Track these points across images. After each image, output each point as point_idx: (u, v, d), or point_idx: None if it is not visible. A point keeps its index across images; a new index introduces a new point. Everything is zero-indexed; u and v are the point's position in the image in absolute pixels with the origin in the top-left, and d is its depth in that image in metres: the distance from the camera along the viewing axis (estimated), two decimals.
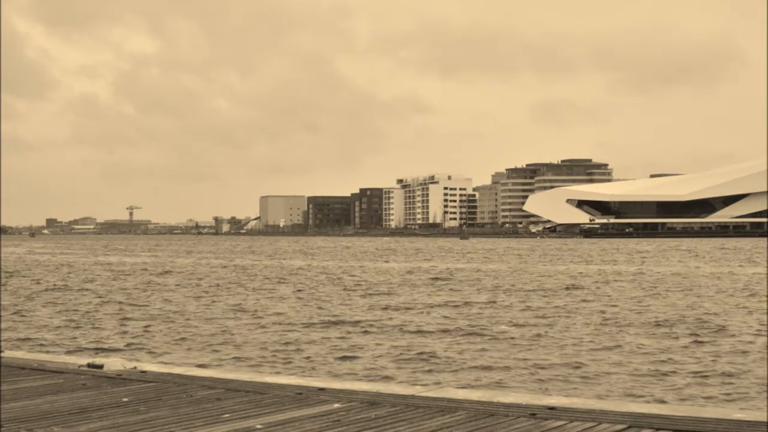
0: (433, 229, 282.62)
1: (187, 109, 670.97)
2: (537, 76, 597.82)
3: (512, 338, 19.27)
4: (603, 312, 25.29)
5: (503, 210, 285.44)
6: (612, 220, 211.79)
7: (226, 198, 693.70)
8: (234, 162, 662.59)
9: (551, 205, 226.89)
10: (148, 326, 22.47)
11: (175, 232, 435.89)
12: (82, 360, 8.95)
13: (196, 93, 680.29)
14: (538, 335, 19.76)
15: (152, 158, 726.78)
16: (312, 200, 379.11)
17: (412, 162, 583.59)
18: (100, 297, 32.67)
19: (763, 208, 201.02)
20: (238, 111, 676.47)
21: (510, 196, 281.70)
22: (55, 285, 40.39)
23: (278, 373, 14.01)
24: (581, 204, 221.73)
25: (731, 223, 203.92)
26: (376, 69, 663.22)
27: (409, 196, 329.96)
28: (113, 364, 8.42)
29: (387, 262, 67.96)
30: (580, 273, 48.25)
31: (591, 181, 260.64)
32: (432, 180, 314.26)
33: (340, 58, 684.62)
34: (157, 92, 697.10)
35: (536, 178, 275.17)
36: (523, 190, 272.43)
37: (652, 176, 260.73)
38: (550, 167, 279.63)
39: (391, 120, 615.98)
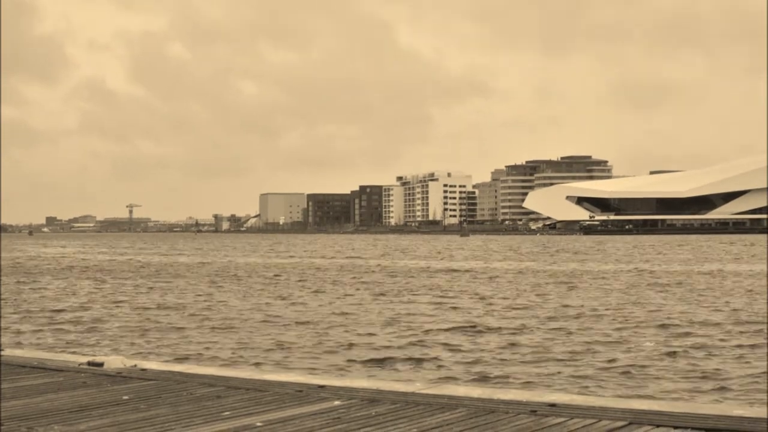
0: (432, 227, 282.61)
1: (211, 91, 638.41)
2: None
3: (513, 335, 19.27)
4: (603, 310, 25.29)
5: (503, 207, 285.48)
6: (612, 217, 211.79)
7: (225, 195, 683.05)
8: (262, 154, 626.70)
9: (551, 202, 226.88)
10: (149, 325, 22.47)
11: (174, 230, 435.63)
12: (83, 358, 8.95)
13: (223, 71, 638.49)
14: (539, 332, 19.76)
15: (169, 151, 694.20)
16: (312, 198, 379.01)
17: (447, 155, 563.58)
18: (102, 296, 32.68)
19: (762, 204, 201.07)
20: (269, 94, 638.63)
21: (510, 193, 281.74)
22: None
23: (278, 370, 14.01)
24: (581, 201, 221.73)
25: (731, 219, 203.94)
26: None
27: (409, 194, 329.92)
28: (113, 362, 8.43)
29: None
30: (582, 271, 48.26)
31: (591, 177, 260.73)
32: (432, 177, 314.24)
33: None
34: (177, 72, 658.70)
35: (536, 175, 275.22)
36: (523, 187, 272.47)
37: (651, 173, 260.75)
38: (549, 164, 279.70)
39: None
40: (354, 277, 42.51)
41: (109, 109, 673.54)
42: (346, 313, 24.43)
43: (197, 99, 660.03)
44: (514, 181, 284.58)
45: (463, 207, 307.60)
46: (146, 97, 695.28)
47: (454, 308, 25.76)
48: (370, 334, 19.58)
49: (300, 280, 40.39)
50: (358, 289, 34.28)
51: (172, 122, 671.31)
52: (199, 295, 31.93)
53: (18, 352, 10.09)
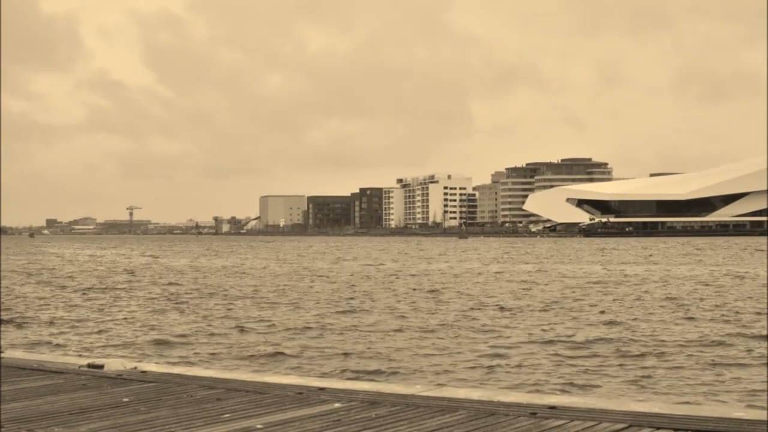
0: (433, 229, 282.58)
1: (231, 81, 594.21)
2: None
3: (512, 337, 19.26)
4: (603, 311, 25.29)
5: (503, 209, 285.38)
6: (612, 219, 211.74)
7: (225, 198, 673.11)
8: (282, 151, 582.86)
9: (551, 204, 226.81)
10: (149, 326, 22.47)
11: (175, 232, 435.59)
12: (83, 360, 8.95)
13: (243, 60, 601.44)
14: (539, 334, 19.75)
15: (181, 149, 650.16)
16: (312, 200, 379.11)
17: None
18: (104, 296, 32.69)
19: (763, 206, 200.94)
20: (294, 85, 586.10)
21: (510, 196, 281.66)
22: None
23: (278, 372, 14.00)
24: (581, 203, 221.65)
25: (731, 221, 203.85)
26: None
27: (409, 196, 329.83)
28: (113, 364, 8.43)
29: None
30: (585, 273, 48.26)
31: (591, 180, 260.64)
32: (432, 179, 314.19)
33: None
34: (193, 63, 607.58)
35: (536, 178, 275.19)
36: (523, 190, 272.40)
37: (651, 175, 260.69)
38: (549, 166, 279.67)
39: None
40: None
41: (118, 102, 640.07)
42: (346, 313, 24.41)
43: (215, 90, 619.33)
44: (514, 183, 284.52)
45: (464, 209, 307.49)
46: (160, 89, 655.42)
47: (455, 306, 25.77)
48: (371, 334, 19.56)
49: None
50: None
51: (186, 117, 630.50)
52: (202, 296, 31.95)
53: (18, 354, 10.10)
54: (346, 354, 16.96)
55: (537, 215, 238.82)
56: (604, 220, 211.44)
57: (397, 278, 43.91)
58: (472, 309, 26.19)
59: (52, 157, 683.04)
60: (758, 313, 24.18)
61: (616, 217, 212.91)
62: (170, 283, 41.14)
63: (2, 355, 9.33)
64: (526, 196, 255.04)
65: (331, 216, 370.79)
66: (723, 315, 24.01)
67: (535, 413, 5.86)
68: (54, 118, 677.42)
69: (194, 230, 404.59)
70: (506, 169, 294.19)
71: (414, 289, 35.10)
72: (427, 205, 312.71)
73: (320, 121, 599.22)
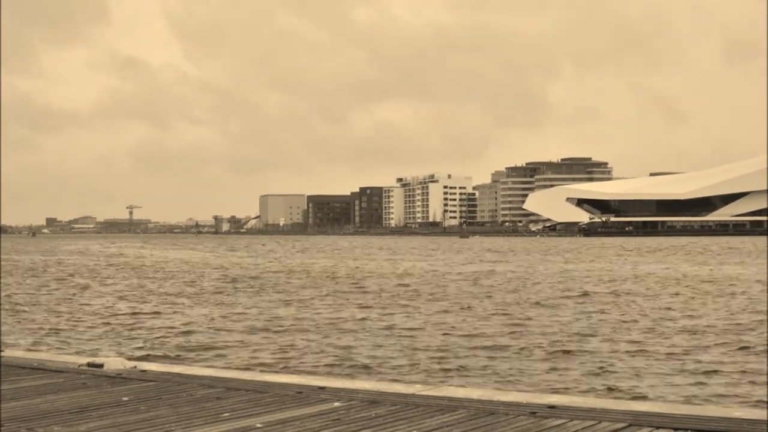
0: (433, 228, 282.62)
1: (270, 59, 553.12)
2: None
3: (512, 337, 19.25)
4: (603, 311, 25.29)
5: (503, 208, 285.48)
6: (612, 219, 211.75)
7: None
8: (322, 141, 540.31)
9: (551, 203, 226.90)
10: (149, 325, 22.47)
11: (175, 231, 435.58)
12: (82, 359, 8.96)
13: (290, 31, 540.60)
14: (539, 334, 19.75)
15: (204, 138, 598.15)
16: (312, 199, 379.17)
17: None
18: (105, 294, 32.69)
19: (762, 206, 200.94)
20: (336, 65, 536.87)
21: (510, 195, 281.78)
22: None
23: (278, 372, 14.00)
24: (581, 202, 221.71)
25: (731, 221, 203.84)
26: None
27: (409, 195, 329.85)
28: (113, 363, 8.43)
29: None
30: (583, 272, 48.25)
31: (591, 179, 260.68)
32: (432, 179, 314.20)
33: None
34: (225, 34, 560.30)
35: (536, 177, 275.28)
36: (523, 189, 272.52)
37: (651, 175, 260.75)
38: (549, 166, 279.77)
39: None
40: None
41: (138, 83, 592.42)
42: (346, 312, 24.42)
43: (250, 69, 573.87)
44: (514, 182, 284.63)
45: (464, 208, 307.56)
46: (186, 67, 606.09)
47: (455, 307, 25.76)
48: (371, 334, 19.57)
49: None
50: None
51: (212, 101, 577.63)
52: (202, 295, 31.92)
53: (18, 353, 10.10)
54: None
55: (537, 214, 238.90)
56: (603, 219, 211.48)
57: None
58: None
59: (57, 149, 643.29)
60: (759, 311, 24.20)
61: (616, 216, 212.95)
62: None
63: (2, 354, 9.33)
64: (526, 196, 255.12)
65: (331, 215, 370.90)
66: (723, 314, 24.01)
67: (535, 412, 5.86)
68: (65, 102, 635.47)
69: (194, 229, 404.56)
70: (506, 168, 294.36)
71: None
72: (427, 205, 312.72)
73: (356, 107, 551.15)
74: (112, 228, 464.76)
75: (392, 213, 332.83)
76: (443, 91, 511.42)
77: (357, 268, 54.53)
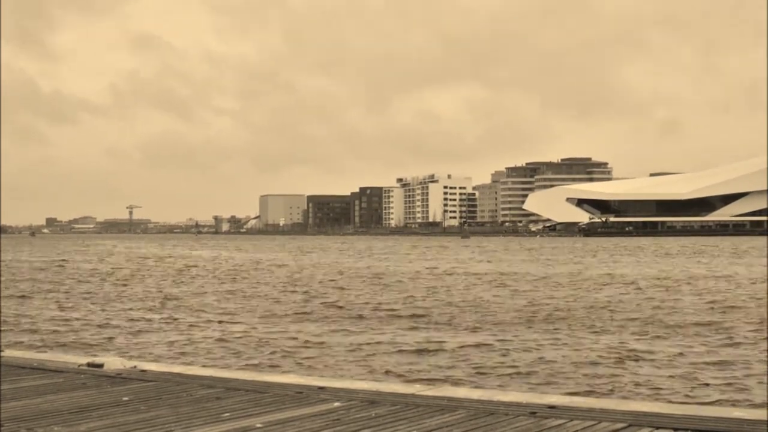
0: (433, 228, 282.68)
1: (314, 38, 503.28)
2: None
3: (512, 336, 19.26)
4: (603, 310, 25.29)
5: (503, 209, 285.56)
6: (612, 219, 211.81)
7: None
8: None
9: (551, 203, 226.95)
10: (149, 325, 22.48)
11: (175, 231, 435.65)
12: (82, 359, 8.96)
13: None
14: (539, 333, 19.76)
15: (229, 128, 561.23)
16: (311, 199, 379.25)
17: None
18: (104, 295, 32.70)
19: (763, 206, 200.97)
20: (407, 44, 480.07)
21: (510, 195, 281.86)
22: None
23: (278, 371, 14.01)
24: (581, 203, 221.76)
25: (731, 221, 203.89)
26: None
27: (409, 195, 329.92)
28: (113, 363, 8.43)
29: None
30: (582, 272, 48.26)
31: (591, 179, 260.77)
32: (432, 179, 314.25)
33: None
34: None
35: (536, 177, 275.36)
36: (523, 189, 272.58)
37: (651, 175, 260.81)
38: (549, 166, 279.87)
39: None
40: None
41: (157, 67, 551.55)
42: (346, 312, 24.41)
43: (285, 52, 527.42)
44: (514, 182, 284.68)
45: (464, 209, 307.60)
46: (214, 47, 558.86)
47: (456, 308, 25.77)
48: (371, 334, 19.56)
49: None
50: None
51: (242, 86, 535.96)
52: (203, 294, 31.89)
53: (18, 353, 10.10)
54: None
55: (537, 215, 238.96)
56: (603, 219, 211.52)
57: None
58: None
59: (68, 138, 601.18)
60: (759, 309, 24.20)
61: (615, 216, 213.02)
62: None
63: (2, 353, 9.33)
64: (526, 196, 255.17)
65: (330, 215, 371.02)
66: (723, 314, 24.01)
67: (535, 413, 5.86)
68: (77, 87, 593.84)
69: (194, 229, 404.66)
70: (506, 168, 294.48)
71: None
72: (427, 205, 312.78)
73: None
74: (112, 228, 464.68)
75: (392, 213, 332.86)
76: (500, 74, 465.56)
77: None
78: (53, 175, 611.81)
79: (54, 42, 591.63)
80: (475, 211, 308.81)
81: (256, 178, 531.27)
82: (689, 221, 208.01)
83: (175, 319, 23.82)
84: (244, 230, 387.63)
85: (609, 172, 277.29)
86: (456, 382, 13.30)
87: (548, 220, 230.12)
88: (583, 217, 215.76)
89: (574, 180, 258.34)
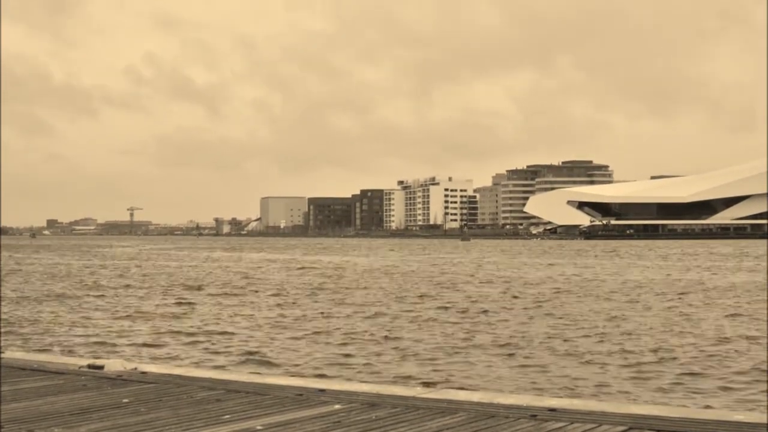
0: (433, 231, 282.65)
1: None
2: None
3: (513, 339, 19.25)
4: (603, 313, 25.29)
5: (504, 211, 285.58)
6: (613, 222, 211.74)
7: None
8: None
9: (552, 206, 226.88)
10: (150, 327, 22.48)
11: (176, 233, 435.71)
12: (83, 361, 8.96)
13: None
14: (539, 336, 19.75)
15: (255, 124, 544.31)
16: (312, 201, 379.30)
17: None
18: (104, 296, 32.69)
19: (764, 209, 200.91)
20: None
21: (511, 198, 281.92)
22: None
23: (278, 374, 14.01)
24: (582, 205, 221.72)
25: (732, 224, 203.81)
26: None
27: (410, 198, 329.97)
28: (114, 365, 8.43)
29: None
30: (582, 274, 48.24)
31: (592, 182, 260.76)
32: (433, 181, 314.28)
33: None
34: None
35: (537, 180, 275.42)
36: (524, 192, 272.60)
37: (652, 178, 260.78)
38: (550, 169, 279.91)
39: None
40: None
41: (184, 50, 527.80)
42: (346, 314, 24.39)
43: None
44: (515, 185, 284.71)
45: (464, 211, 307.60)
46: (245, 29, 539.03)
47: (456, 310, 25.75)
48: (372, 336, 19.56)
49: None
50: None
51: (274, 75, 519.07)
52: (203, 296, 31.88)
53: (18, 355, 10.10)
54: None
55: (538, 217, 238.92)
56: (604, 222, 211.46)
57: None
58: None
59: (75, 134, 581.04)
60: (759, 310, 24.19)
61: (616, 219, 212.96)
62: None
63: (2, 355, 9.33)
64: (526, 198, 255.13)
65: (331, 217, 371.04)
66: (723, 316, 24.00)
67: (535, 415, 5.86)
68: (92, 79, 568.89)
69: (195, 231, 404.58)
70: (507, 171, 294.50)
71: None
72: (428, 207, 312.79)
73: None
74: (112, 230, 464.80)
75: (393, 215, 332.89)
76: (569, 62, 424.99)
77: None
78: (58, 173, 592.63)
79: (68, 25, 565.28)
80: (476, 213, 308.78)
81: (279, 179, 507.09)
82: (690, 224, 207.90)
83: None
84: (244, 232, 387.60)
85: (610, 175, 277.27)
86: (456, 385, 13.30)
87: (549, 222, 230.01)
88: (583, 219, 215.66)
89: (574, 183, 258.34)
